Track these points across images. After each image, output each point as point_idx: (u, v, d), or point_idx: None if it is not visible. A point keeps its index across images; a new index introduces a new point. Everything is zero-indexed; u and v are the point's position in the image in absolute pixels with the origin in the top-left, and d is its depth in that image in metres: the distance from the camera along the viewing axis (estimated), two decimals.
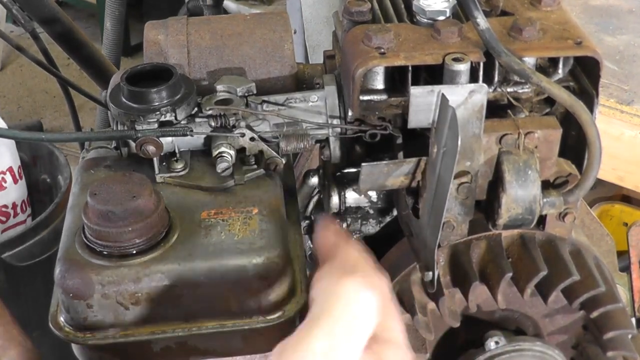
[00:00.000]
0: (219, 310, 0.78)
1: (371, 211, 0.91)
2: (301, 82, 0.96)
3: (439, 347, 0.86)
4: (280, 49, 0.94)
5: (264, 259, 0.78)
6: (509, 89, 0.84)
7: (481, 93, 0.73)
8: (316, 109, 0.88)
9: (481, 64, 0.80)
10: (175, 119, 0.84)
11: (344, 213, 0.90)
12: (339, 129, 0.87)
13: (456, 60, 0.78)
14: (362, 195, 0.89)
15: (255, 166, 0.86)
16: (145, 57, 0.94)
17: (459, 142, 0.67)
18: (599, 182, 1.66)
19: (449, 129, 0.69)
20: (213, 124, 0.85)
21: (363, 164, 0.82)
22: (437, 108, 0.75)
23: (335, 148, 0.88)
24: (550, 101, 0.85)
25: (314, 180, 1.03)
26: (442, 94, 0.72)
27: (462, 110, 0.74)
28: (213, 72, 0.92)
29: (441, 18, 0.84)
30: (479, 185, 0.78)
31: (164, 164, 0.86)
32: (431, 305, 0.81)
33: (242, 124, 0.85)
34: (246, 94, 0.87)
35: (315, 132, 0.87)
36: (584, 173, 0.77)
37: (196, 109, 0.86)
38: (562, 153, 0.80)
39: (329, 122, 0.87)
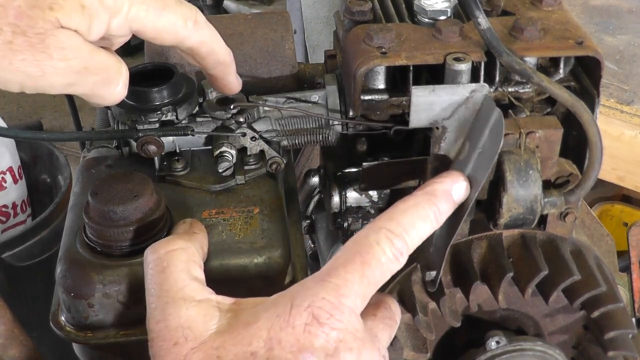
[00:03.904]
0: None
1: (372, 211, 0.91)
2: (302, 81, 0.97)
3: (440, 347, 0.86)
4: (282, 48, 0.94)
5: (265, 258, 0.78)
6: (510, 89, 0.84)
7: (482, 93, 0.73)
8: (317, 108, 0.88)
9: (482, 64, 0.80)
10: (177, 118, 0.84)
11: (344, 213, 0.90)
12: (340, 128, 0.87)
13: (457, 59, 0.78)
14: (363, 195, 0.89)
15: (256, 166, 0.87)
16: (146, 56, 0.94)
17: (501, 146, 0.67)
18: (599, 182, 1.66)
19: (491, 131, 0.69)
20: (242, 119, 0.85)
21: (364, 163, 0.82)
22: (436, 106, 0.75)
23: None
24: (551, 101, 0.85)
25: (315, 179, 1.03)
26: (487, 95, 0.72)
27: (463, 110, 0.74)
28: None
29: (442, 18, 0.84)
30: None
31: (165, 163, 0.86)
32: (432, 304, 0.81)
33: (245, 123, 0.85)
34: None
35: (318, 131, 0.87)
36: (585, 173, 0.77)
37: (197, 108, 0.86)
38: (563, 153, 0.80)
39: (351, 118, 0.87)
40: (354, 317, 0.64)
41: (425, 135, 0.84)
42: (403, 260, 0.67)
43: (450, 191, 0.70)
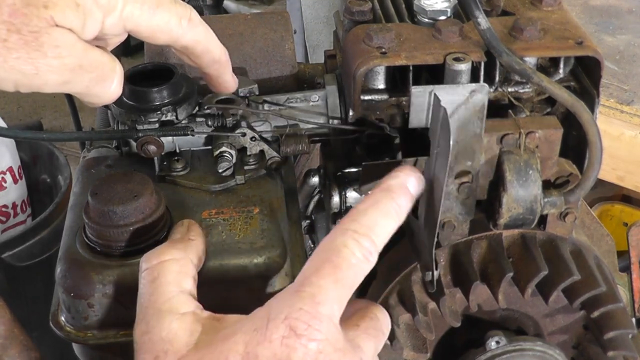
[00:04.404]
0: (220, 310, 0.78)
1: None
2: (302, 81, 0.97)
3: (440, 347, 0.86)
4: (281, 48, 0.94)
5: (265, 258, 0.78)
6: (510, 89, 0.84)
7: (482, 93, 0.73)
8: (317, 108, 0.88)
9: (482, 64, 0.80)
10: (177, 118, 0.84)
11: (344, 213, 0.90)
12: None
13: (457, 60, 0.78)
14: (363, 195, 0.89)
15: (256, 166, 0.87)
16: (146, 56, 0.94)
17: (452, 143, 0.67)
18: (599, 182, 1.67)
19: (441, 129, 0.69)
20: (211, 123, 0.85)
21: (363, 163, 0.82)
22: (429, 108, 0.75)
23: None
24: (551, 101, 0.85)
25: (315, 179, 1.03)
26: (435, 94, 0.72)
27: (463, 110, 0.74)
28: None
29: (442, 18, 0.84)
30: (480, 185, 0.78)
31: (165, 163, 0.86)
32: (432, 305, 0.81)
33: (243, 123, 0.85)
34: (247, 95, 0.87)
35: (316, 131, 0.87)
36: (584, 173, 0.77)
37: (197, 108, 0.86)
38: (563, 153, 0.80)
39: (330, 122, 0.87)
40: (332, 326, 0.63)
41: (408, 136, 0.84)
42: (373, 260, 0.66)
43: (405, 184, 0.70)
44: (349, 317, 0.67)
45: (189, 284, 0.71)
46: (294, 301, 0.63)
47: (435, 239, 0.72)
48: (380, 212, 0.68)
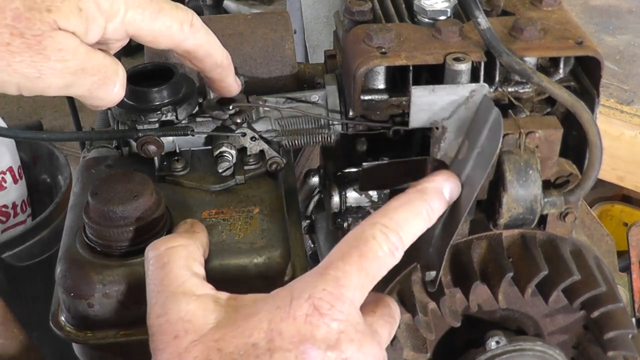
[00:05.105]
0: None
1: (372, 211, 0.91)
2: (302, 81, 0.97)
3: (440, 347, 0.86)
4: (281, 48, 0.94)
5: (265, 258, 0.78)
6: (510, 89, 0.84)
7: (482, 93, 0.73)
8: (317, 108, 0.88)
9: (482, 64, 0.80)
10: (177, 118, 0.84)
11: (344, 213, 0.90)
12: (339, 128, 0.87)
13: (457, 60, 0.78)
14: (363, 195, 0.89)
15: (256, 166, 0.87)
16: (146, 56, 0.94)
17: (500, 145, 0.67)
18: (599, 182, 1.66)
19: (489, 130, 0.69)
20: (239, 120, 0.85)
21: (364, 163, 0.82)
22: (436, 106, 0.75)
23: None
24: (551, 101, 0.85)
25: (315, 179, 1.03)
26: (485, 95, 0.72)
27: (463, 110, 0.74)
28: None
29: (442, 18, 0.84)
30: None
31: (165, 163, 0.87)
32: (432, 304, 0.81)
33: (244, 123, 0.85)
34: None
35: (318, 131, 0.87)
36: (585, 173, 0.77)
37: (197, 108, 0.86)
38: (563, 153, 0.80)
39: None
40: (354, 310, 0.65)
41: (423, 135, 0.84)
42: (398, 256, 0.67)
43: (441, 189, 0.71)
44: (365, 305, 0.68)
45: (199, 268, 0.72)
46: (318, 282, 0.64)
47: (453, 240, 0.72)
48: (412, 211, 0.69)
